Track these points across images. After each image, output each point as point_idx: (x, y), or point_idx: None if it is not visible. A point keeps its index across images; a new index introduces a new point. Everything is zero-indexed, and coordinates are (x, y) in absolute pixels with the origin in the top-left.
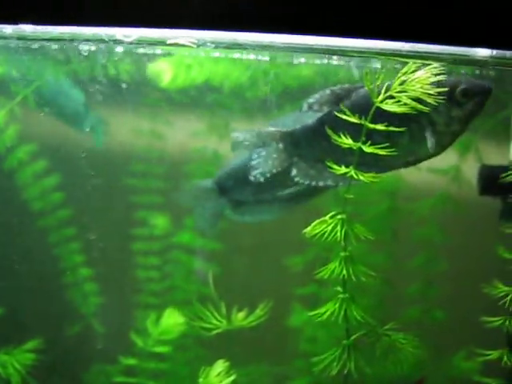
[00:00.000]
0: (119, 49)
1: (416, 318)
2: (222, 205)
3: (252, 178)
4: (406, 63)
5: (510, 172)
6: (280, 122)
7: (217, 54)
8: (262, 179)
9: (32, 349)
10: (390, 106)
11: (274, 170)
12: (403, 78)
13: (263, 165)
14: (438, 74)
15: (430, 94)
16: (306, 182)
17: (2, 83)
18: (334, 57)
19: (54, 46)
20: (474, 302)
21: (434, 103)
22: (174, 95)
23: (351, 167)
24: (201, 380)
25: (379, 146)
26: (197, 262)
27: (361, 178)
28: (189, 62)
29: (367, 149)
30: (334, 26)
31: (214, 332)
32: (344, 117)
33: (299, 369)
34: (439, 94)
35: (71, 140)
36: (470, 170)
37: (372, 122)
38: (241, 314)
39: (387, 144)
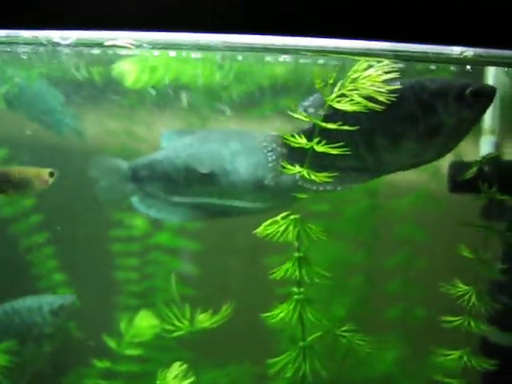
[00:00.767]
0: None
1: (397, 317)
2: (131, 190)
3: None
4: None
5: (475, 168)
6: None
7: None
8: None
9: (5, 350)
10: (342, 105)
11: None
12: (355, 75)
13: (274, 168)
14: (390, 72)
15: (381, 92)
16: (312, 188)
17: None
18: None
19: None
20: (455, 300)
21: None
22: (138, 95)
23: (304, 167)
24: (158, 382)
25: (335, 148)
26: (181, 262)
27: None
28: (153, 62)
29: (319, 148)
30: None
31: (176, 334)
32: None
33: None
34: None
35: (41, 142)
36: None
37: (378, 123)
38: (202, 316)
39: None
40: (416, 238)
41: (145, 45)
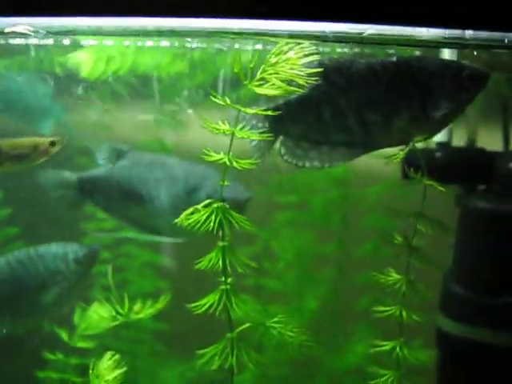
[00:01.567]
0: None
1: (368, 307)
2: (80, 200)
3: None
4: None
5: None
6: None
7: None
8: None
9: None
10: (263, 89)
11: (266, 150)
12: (275, 59)
13: (257, 146)
14: (310, 55)
15: (302, 75)
16: (294, 162)
17: None
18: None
19: None
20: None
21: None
22: (94, 85)
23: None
24: (90, 372)
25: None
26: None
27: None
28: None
29: (240, 134)
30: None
31: (113, 324)
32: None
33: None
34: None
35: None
36: None
37: (377, 98)
38: (137, 306)
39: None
40: (384, 227)
41: (40, 31)
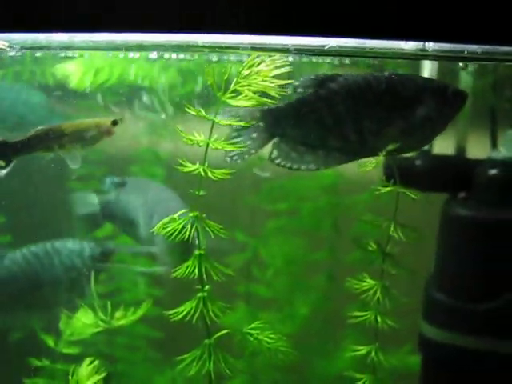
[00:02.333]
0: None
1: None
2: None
3: (229, 160)
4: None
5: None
6: None
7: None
8: (239, 161)
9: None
10: (236, 101)
11: (254, 151)
12: (247, 71)
13: (242, 145)
14: (281, 67)
15: (275, 87)
16: (288, 165)
17: None
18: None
19: None
20: (417, 296)
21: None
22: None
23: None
24: (70, 378)
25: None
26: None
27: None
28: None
29: (215, 144)
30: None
31: (94, 331)
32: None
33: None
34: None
35: None
36: None
37: (370, 110)
38: (118, 313)
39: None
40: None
41: (14, 46)
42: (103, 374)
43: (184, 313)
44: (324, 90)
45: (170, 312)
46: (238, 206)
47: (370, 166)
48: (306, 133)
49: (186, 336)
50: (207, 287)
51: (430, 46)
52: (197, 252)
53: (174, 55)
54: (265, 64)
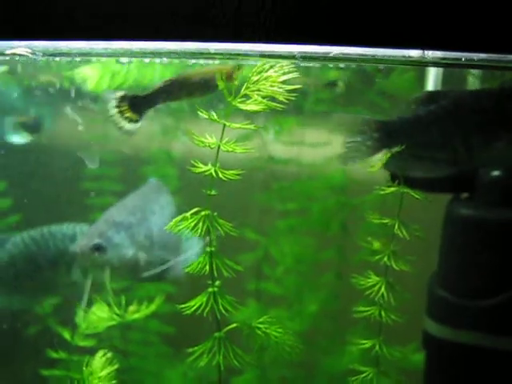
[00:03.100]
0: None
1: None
2: None
3: (343, 161)
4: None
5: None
6: None
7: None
8: (351, 164)
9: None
10: (247, 106)
11: (365, 157)
12: (256, 77)
13: (355, 151)
14: (289, 73)
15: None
16: (397, 174)
17: None
18: None
19: None
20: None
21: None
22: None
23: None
24: (84, 369)
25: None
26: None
27: None
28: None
29: (226, 146)
30: None
31: (108, 325)
32: None
33: (248, 363)
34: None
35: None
36: None
37: (478, 124)
38: (132, 308)
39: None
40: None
41: (37, 53)
42: (116, 366)
43: (195, 307)
44: (436, 106)
45: (182, 306)
46: (250, 206)
47: (376, 166)
48: (416, 145)
49: (199, 332)
50: (217, 283)
51: (430, 54)
52: (208, 249)
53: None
54: (273, 70)
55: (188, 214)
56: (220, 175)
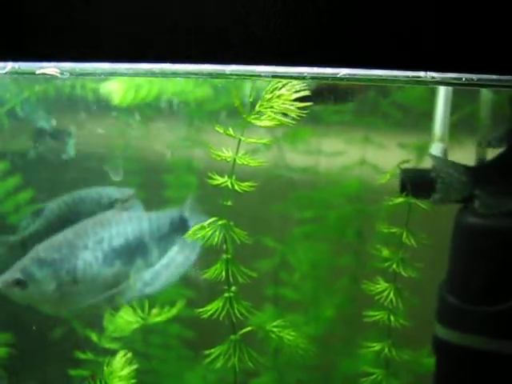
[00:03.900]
0: None
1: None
2: None
3: (432, 200)
4: None
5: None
6: None
7: None
8: (439, 203)
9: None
10: (261, 122)
11: (453, 199)
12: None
13: (444, 192)
14: (300, 91)
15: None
16: (489, 212)
17: None
18: None
19: None
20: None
21: None
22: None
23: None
24: (105, 368)
25: None
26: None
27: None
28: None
29: (241, 160)
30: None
31: (132, 328)
32: None
33: (265, 366)
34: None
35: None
36: None
37: None
38: (154, 311)
39: None
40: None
41: (65, 72)
42: (135, 366)
43: (212, 311)
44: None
45: (200, 310)
46: (268, 214)
47: (386, 177)
48: (503, 184)
49: (218, 336)
50: (233, 288)
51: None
52: (224, 256)
53: None
54: (285, 89)
55: (205, 224)
56: (236, 187)
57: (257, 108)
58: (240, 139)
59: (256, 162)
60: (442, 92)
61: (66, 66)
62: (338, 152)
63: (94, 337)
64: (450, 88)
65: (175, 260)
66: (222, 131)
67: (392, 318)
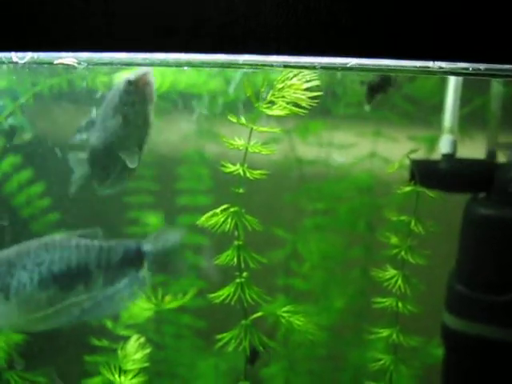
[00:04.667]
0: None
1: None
2: None
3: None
4: None
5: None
6: None
7: None
8: None
9: None
10: (272, 111)
11: None
12: (280, 85)
13: None
14: (310, 81)
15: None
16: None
17: None
18: None
19: None
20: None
21: None
22: None
23: None
24: (119, 352)
25: None
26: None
27: None
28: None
29: (253, 149)
30: None
31: (145, 315)
32: None
33: (276, 354)
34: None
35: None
36: None
37: None
38: (167, 297)
39: None
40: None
41: (82, 62)
42: (148, 350)
43: (223, 296)
44: None
45: (212, 295)
46: (279, 205)
47: (394, 167)
48: None
49: (229, 327)
50: (244, 274)
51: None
52: (236, 243)
53: None
54: (297, 78)
55: (218, 211)
56: (248, 175)
57: (268, 97)
58: (252, 128)
59: (266, 150)
60: (452, 84)
61: (82, 56)
62: (350, 144)
63: (108, 324)
64: (460, 80)
65: (120, 293)
66: (235, 120)
67: (400, 304)
